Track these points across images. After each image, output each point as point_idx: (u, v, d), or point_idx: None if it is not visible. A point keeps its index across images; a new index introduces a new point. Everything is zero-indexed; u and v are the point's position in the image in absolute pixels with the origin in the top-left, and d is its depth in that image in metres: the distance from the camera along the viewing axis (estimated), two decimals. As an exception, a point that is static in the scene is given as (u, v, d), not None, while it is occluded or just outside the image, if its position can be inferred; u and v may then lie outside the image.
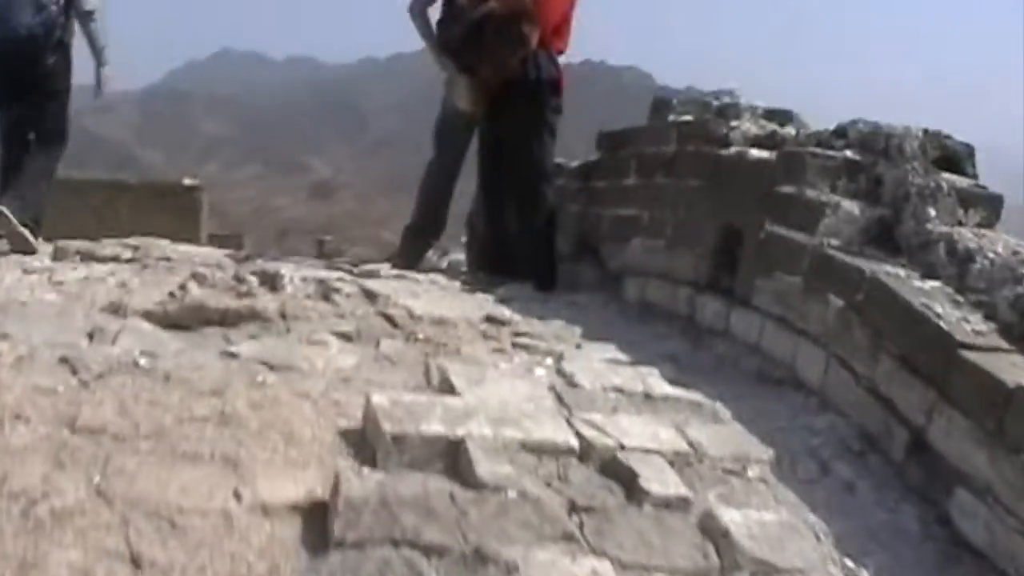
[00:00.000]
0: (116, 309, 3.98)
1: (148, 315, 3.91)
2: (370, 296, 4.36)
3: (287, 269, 4.55)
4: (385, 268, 6.37)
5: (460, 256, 8.43)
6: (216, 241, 29.63)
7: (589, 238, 5.81)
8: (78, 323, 3.81)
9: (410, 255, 7.12)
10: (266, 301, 4.06)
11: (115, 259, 5.54)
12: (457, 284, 5.70)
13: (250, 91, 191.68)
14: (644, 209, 5.17)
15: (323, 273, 4.63)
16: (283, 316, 4.01)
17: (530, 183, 5.66)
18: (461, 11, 6.22)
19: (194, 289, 4.04)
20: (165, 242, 6.10)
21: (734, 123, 4.73)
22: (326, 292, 4.35)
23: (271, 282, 4.42)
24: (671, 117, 5.06)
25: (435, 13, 6.86)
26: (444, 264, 8.43)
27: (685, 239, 4.75)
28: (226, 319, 3.97)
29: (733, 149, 4.53)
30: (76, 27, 6.58)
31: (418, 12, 6.95)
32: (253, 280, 4.22)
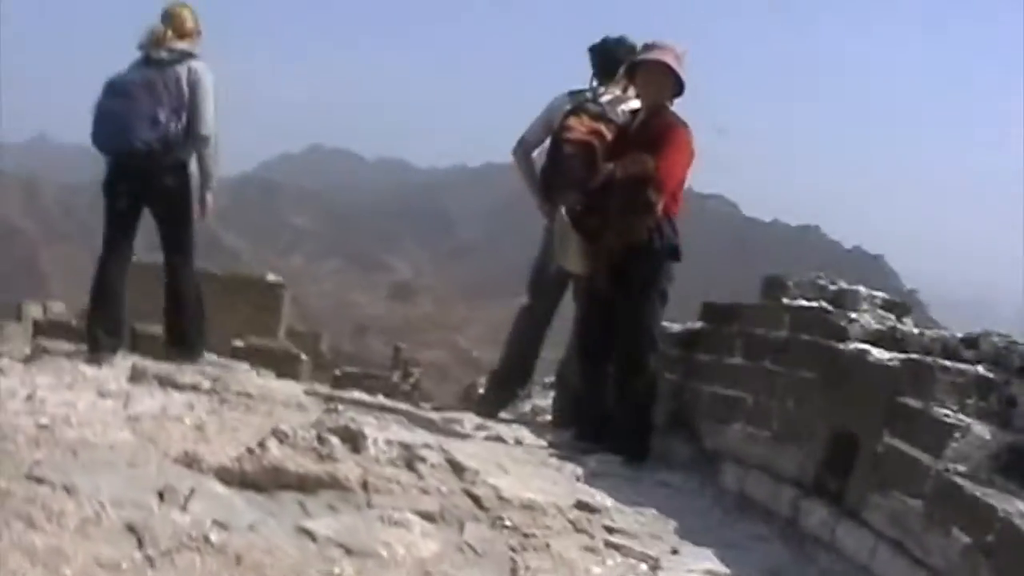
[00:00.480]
0: (190, 462, 3.79)
1: (223, 473, 3.71)
2: (456, 468, 4.13)
3: (371, 429, 4.34)
4: (469, 419, 6.16)
5: (542, 402, 8.19)
6: (294, 339, 28.63)
7: (685, 412, 5.54)
8: (149, 476, 3.61)
9: (495, 403, 6.92)
10: (347, 468, 3.84)
11: (194, 388, 5.40)
12: (544, 446, 5.46)
13: (339, 187, 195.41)
14: (749, 393, 4.89)
15: (408, 436, 4.41)
16: (364, 487, 3.79)
17: (637, 351, 5.45)
18: (568, 160, 6.12)
19: (273, 448, 3.84)
20: (245, 371, 5.92)
21: (852, 315, 4.47)
22: (410, 459, 4.12)
23: (353, 442, 4.20)
24: (785, 300, 4.81)
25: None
26: (527, 407, 8.19)
27: (792, 434, 4.46)
28: (305, 485, 3.76)
29: (852, 346, 4.26)
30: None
31: (522, 156, 6.83)
32: (335, 441, 4.01)
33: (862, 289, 4.72)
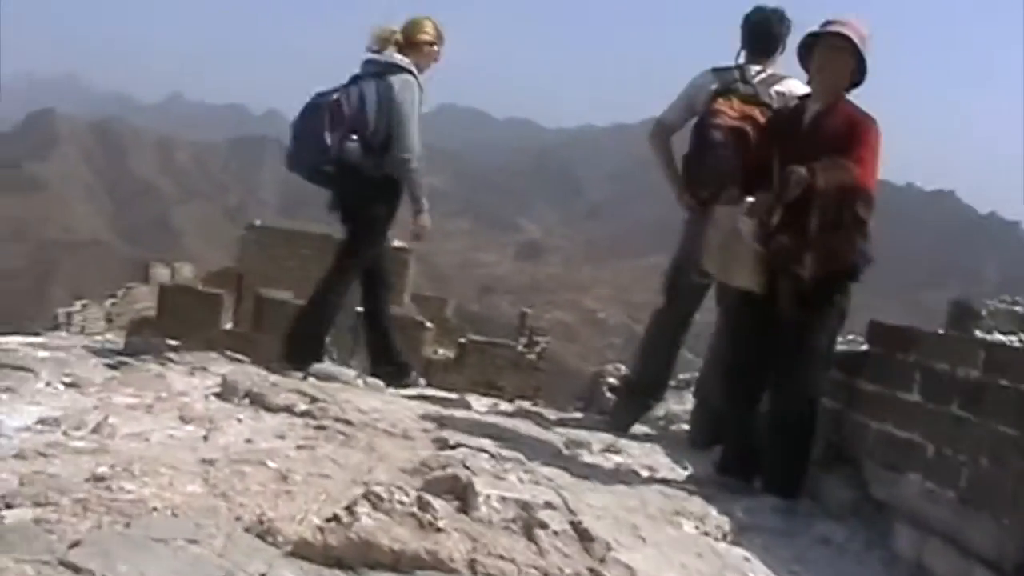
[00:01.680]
0: (265, 531, 3.21)
1: (303, 548, 3.13)
2: (583, 537, 3.48)
3: (483, 480, 3.72)
4: (598, 440, 5.54)
5: (676, 407, 7.49)
6: (420, 303, 28.45)
7: (847, 448, 4.80)
8: (213, 555, 3.03)
9: (627, 416, 6.30)
10: (452, 544, 3.22)
11: (288, 410, 4.86)
12: (683, 480, 4.81)
13: (469, 146, 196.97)
14: (929, 440, 4.13)
15: (526, 491, 3.76)
16: (472, 568, 3.17)
17: (807, 376, 4.71)
18: (717, 148, 5.46)
19: (364, 516, 3.24)
20: (345, 394, 5.32)
21: (1066, 358, 3.67)
22: (528, 524, 3.49)
23: (462, 498, 3.60)
24: (977, 332, 4.02)
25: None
26: (661, 412, 7.52)
27: (988, 500, 3.70)
28: (400, 563, 3.16)
29: (1068, 401, 3.48)
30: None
31: (660, 141, 6.18)
32: (439, 505, 3.40)
33: (1074, 321, 3.90)
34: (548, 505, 3.66)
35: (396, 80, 6.29)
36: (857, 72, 4.68)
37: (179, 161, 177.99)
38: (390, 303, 6.98)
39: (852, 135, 4.58)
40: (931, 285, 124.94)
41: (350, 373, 6.47)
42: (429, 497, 3.43)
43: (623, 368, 10.72)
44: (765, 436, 4.88)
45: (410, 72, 6.35)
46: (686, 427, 6.71)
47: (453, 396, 6.81)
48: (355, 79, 6.34)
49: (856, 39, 4.63)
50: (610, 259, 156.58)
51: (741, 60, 5.87)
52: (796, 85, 5.64)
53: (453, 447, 4.46)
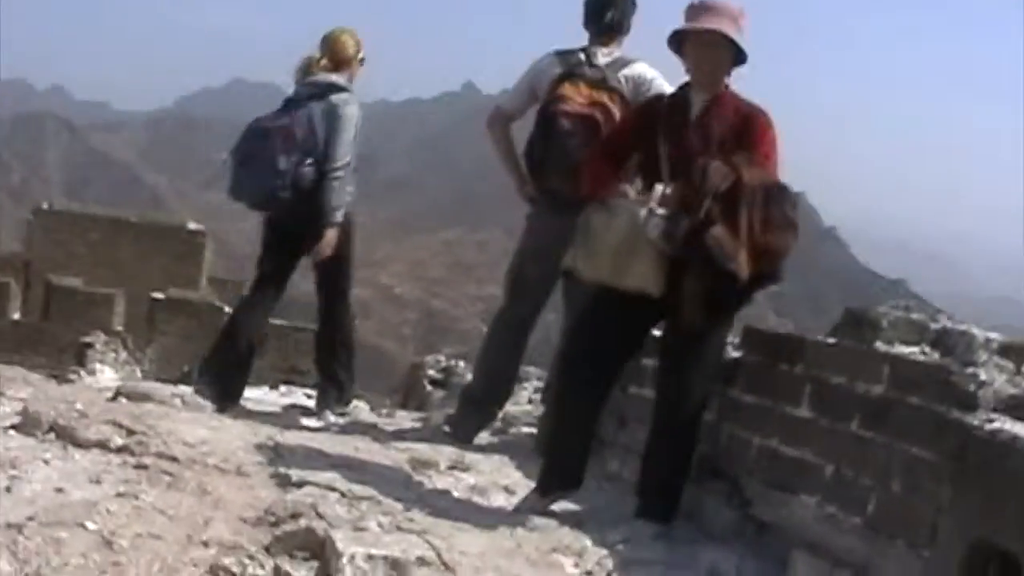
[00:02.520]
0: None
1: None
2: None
3: (342, 536, 3.16)
4: (444, 456, 5.08)
5: (514, 409, 7.04)
6: (216, 287, 27.23)
7: (722, 464, 4.44)
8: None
9: (470, 426, 5.85)
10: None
11: (102, 445, 4.16)
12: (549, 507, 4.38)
13: None
14: (826, 460, 3.80)
15: (395, 549, 3.20)
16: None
17: (695, 388, 4.31)
18: (565, 137, 5.16)
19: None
20: (166, 422, 4.60)
21: (979, 374, 3.39)
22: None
23: (320, 557, 3.06)
24: (879, 344, 3.70)
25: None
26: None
27: (903, 530, 3.39)
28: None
29: (989, 423, 3.18)
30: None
31: (499, 129, 5.78)
32: (299, 576, 2.82)
33: (977, 332, 3.62)
34: (421, 561, 3.14)
35: (338, 99, 6.15)
36: (737, 59, 4.33)
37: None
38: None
39: (748, 130, 4.27)
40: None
41: (164, 390, 5.75)
42: (287, 567, 2.86)
43: (442, 360, 10.43)
44: (646, 450, 4.46)
45: (348, 90, 6.24)
46: (526, 430, 6.33)
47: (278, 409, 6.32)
48: (291, 103, 6.24)
49: (729, 28, 4.25)
50: (407, 235, 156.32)
51: (587, 43, 5.52)
52: (644, 69, 5.41)
53: (298, 485, 3.87)
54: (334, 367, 6.53)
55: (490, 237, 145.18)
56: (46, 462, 3.86)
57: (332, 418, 6.32)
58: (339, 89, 6.20)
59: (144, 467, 3.91)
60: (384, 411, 8.11)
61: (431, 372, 9.85)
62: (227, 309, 25.85)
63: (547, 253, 5.20)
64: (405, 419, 7.25)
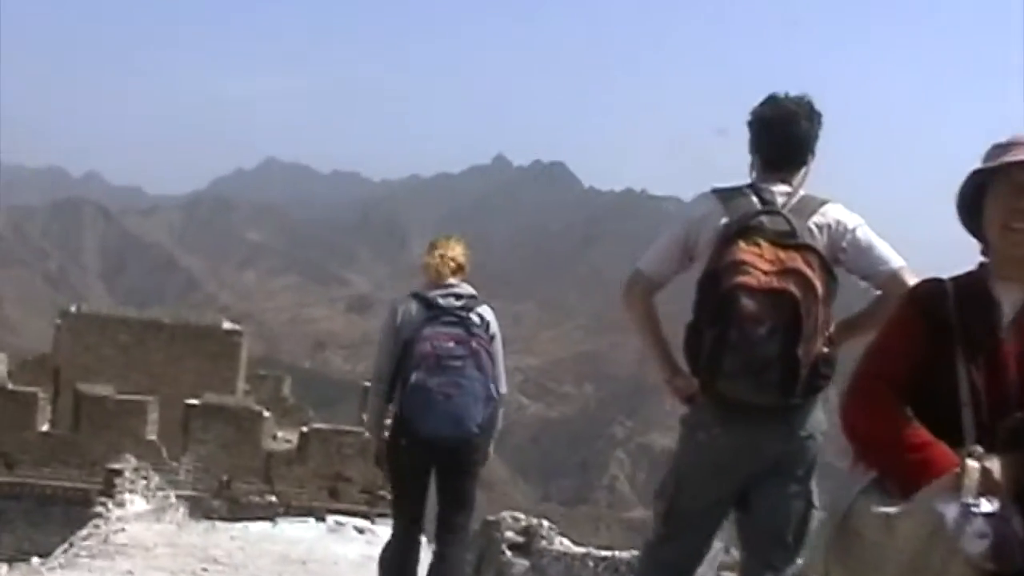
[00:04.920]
0: None
1: None
2: None
3: None
4: None
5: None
6: (253, 383, 24.18)
7: None
8: None
9: None
10: None
11: None
12: None
13: (294, 202, 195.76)
14: None
15: None
16: None
17: None
18: (747, 322, 3.42)
19: None
20: None
21: None
22: None
23: None
24: None
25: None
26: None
27: None
28: None
29: None
30: None
31: (639, 298, 3.99)
32: None
33: None
34: None
35: (486, 311, 5.49)
36: None
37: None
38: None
39: None
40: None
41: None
42: None
43: (522, 519, 8.75)
44: None
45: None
46: None
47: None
48: (444, 312, 5.35)
49: None
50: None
51: (753, 177, 3.91)
52: (842, 212, 3.78)
53: None
54: None
55: (524, 310, 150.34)
56: None
57: None
58: (480, 300, 5.49)
59: None
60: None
61: (508, 533, 8.41)
62: (266, 414, 24.24)
63: (714, 477, 3.79)
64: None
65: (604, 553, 7.62)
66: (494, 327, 5.48)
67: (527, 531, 8.29)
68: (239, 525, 10.94)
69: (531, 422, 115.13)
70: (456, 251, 5.60)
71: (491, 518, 8.67)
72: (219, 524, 11.54)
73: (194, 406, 23.38)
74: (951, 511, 2.33)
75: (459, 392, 5.19)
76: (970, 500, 2.33)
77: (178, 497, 14.09)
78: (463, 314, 5.36)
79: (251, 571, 8.60)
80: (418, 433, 5.25)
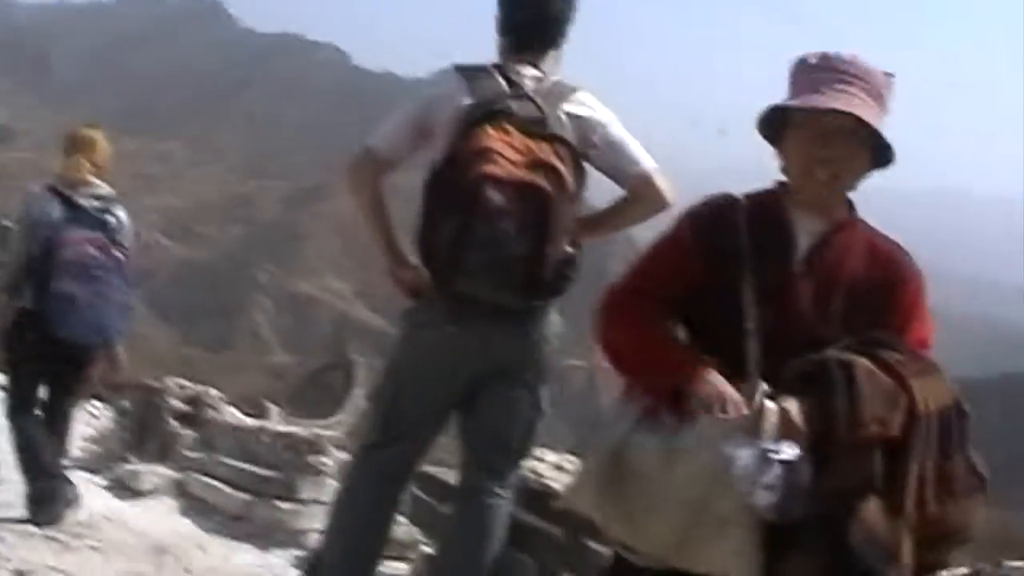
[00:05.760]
0: None
1: None
2: None
3: None
4: None
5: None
6: None
7: None
8: None
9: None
10: None
11: None
12: None
13: None
14: None
15: None
16: None
17: None
18: (498, 217, 3.04)
19: None
20: None
21: None
22: None
23: None
24: None
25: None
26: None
27: None
28: None
29: None
30: None
31: (366, 182, 3.55)
32: None
33: None
34: None
35: (122, 212, 5.51)
36: (876, 159, 2.43)
37: None
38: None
39: (894, 288, 2.43)
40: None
41: None
42: None
43: (188, 386, 8.09)
44: None
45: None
46: None
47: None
48: (85, 213, 5.26)
49: (869, 112, 2.36)
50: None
51: (501, 57, 3.50)
52: (593, 104, 3.42)
53: None
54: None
55: (171, 148, 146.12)
56: None
57: None
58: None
59: None
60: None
61: (174, 401, 7.72)
62: None
63: (440, 378, 3.44)
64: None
65: (283, 429, 7.32)
66: (128, 227, 5.45)
67: (194, 400, 7.80)
68: None
69: (172, 264, 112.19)
70: (98, 149, 5.48)
71: (153, 383, 8.09)
72: None
73: None
74: (744, 456, 2.14)
75: (103, 302, 5.22)
76: (770, 446, 2.14)
77: None
78: (103, 216, 5.32)
79: None
80: (56, 333, 5.17)
